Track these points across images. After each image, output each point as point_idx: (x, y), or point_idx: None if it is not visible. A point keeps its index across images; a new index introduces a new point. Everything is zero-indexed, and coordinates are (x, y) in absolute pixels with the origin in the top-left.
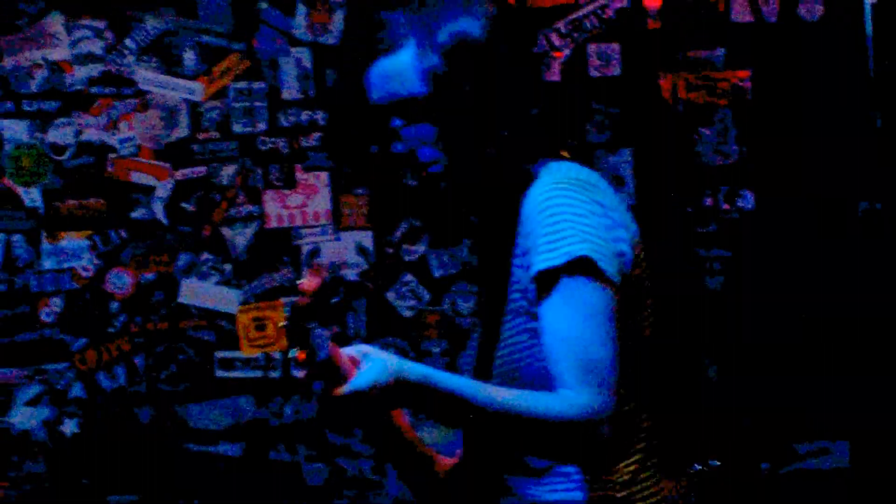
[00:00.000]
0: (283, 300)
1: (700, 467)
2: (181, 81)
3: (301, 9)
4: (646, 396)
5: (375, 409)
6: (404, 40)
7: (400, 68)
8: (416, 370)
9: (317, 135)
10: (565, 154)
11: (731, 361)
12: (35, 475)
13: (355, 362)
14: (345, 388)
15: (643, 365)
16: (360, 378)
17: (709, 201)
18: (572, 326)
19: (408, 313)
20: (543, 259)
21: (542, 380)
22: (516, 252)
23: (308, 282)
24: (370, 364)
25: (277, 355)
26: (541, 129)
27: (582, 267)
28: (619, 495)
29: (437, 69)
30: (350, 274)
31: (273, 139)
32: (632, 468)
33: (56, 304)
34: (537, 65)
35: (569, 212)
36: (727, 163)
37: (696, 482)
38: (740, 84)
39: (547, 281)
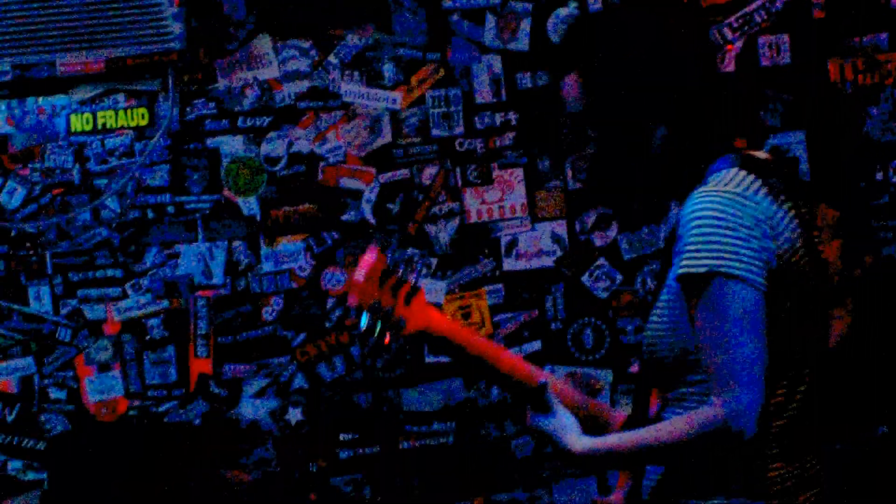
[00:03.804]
0: (485, 289)
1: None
2: (382, 92)
3: (490, 19)
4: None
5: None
6: None
7: None
8: (584, 444)
9: (510, 134)
10: (741, 144)
11: None
12: (264, 461)
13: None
14: (539, 424)
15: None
16: (548, 425)
17: (879, 175)
18: (718, 331)
19: (603, 294)
20: (685, 266)
21: (673, 355)
22: (675, 246)
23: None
24: (560, 419)
25: None
26: (715, 129)
27: (724, 276)
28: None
29: None
30: (547, 261)
31: (469, 140)
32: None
33: (277, 303)
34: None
35: (716, 224)
36: (895, 139)
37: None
38: None
39: (692, 287)
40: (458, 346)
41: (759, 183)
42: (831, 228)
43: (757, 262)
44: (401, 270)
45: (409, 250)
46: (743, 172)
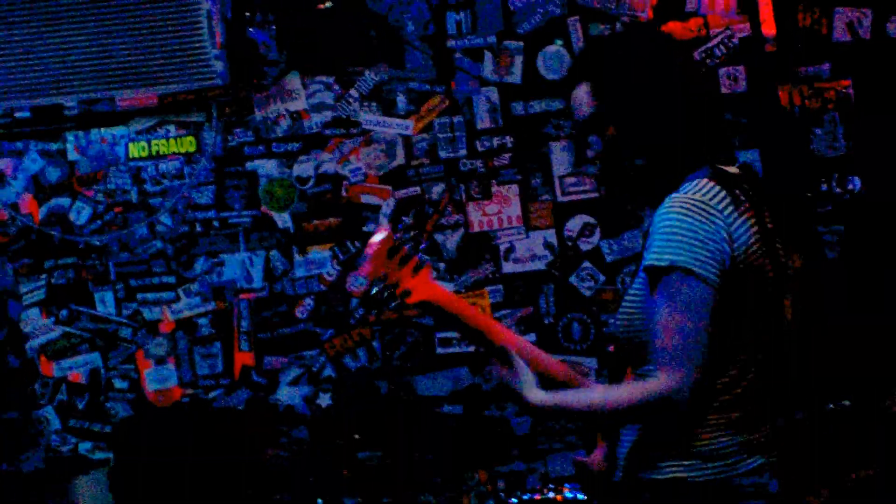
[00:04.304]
0: (487, 289)
1: (832, 406)
2: (396, 120)
3: (488, 56)
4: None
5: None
6: None
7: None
8: (539, 396)
9: (507, 155)
10: (732, 170)
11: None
12: (299, 440)
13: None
14: (502, 377)
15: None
16: (507, 377)
17: (824, 187)
18: (668, 317)
19: (587, 293)
20: (651, 259)
21: (640, 337)
22: (647, 241)
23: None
24: (519, 374)
25: None
26: (686, 147)
27: (682, 271)
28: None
29: None
30: (540, 265)
31: (472, 161)
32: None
33: (308, 303)
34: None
35: (681, 226)
36: (837, 155)
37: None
38: (844, 91)
39: (655, 278)
40: (454, 316)
41: (723, 194)
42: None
43: (712, 262)
44: (407, 248)
45: (421, 256)
46: (711, 183)
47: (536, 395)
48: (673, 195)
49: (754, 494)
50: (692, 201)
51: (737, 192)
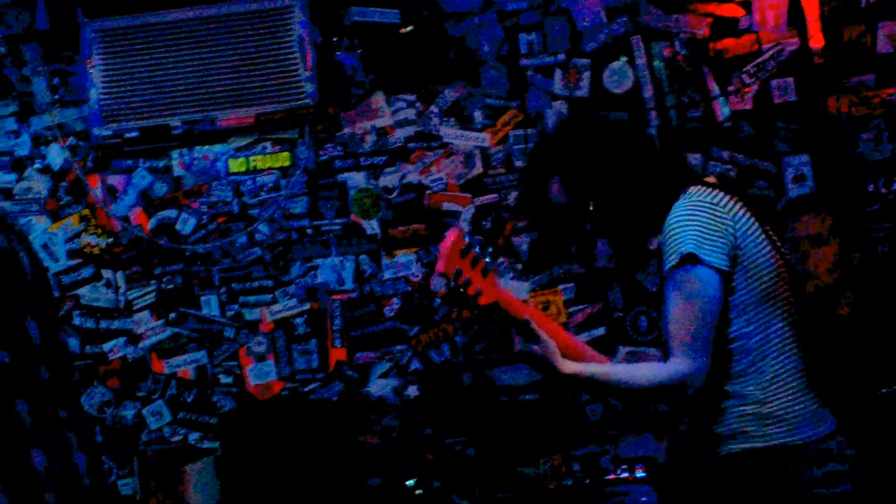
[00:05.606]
0: (560, 287)
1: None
2: (473, 133)
3: (558, 72)
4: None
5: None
6: None
7: None
8: (570, 367)
9: None
10: (709, 181)
11: None
12: (389, 428)
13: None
14: (531, 349)
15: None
16: (538, 349)
17: (871, 187)
18: (676, 309)
19: (654, 288)
20: (667, 262)
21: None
22: (662, 238)
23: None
24: (547, 345)
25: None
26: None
27: (689, 260)
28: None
29: None
30: (608, 263)
31: None
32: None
33: (395, 303)
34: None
35: (685, 221)
36: (882, 158)
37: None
38: (888, 99)
39: (670, 270)
40: (519, 321)
41: (722, 194)
42: (821, 236)
43: (719, 250)
44: (476, 250)
45: (500, 258)
46: (708, 189)
47: (569, 366)
48: (678, 201)
49: (830, 458)
50: (698, 201)
51: (731, 193)
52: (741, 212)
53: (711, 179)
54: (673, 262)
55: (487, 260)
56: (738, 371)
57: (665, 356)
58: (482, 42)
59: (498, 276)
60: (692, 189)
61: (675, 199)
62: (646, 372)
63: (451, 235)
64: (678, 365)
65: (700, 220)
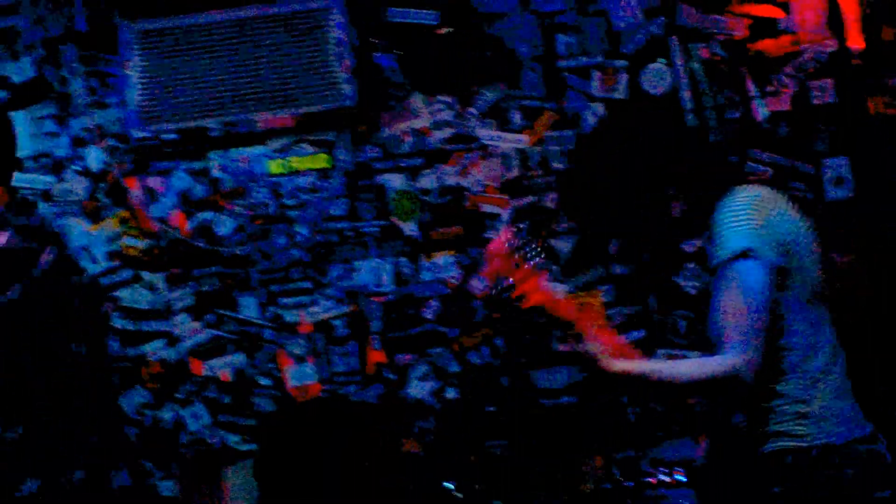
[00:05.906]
0: (599, 289)
1: None
2: (511, 135)
3: (595, 74)
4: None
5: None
6: None
7: None
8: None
9: None
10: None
11: None
12: (427, 430)
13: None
14: (586, 347)
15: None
16: (591, 348)
17: None
18: (729, 301)
19: (692, 291)
20: (716, 256)
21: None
22: (713, 228)
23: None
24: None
25: None
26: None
27: (743, 254)
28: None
29: None
30: (647, 266)
31: None
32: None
33: (434, 305)
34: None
35: (738, 216)
36: None
37: None
38: None
39: (717, 268)
40: (565, 322)
41: (773, 190)
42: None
43: (769, 244)
44: (525, 251)
45: (536, 262)
46: (758, 186)
47: (618, 364)
48: (728, 198)
49: (870, 460)
50: (748, 196)
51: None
52: (792, 210)
53: (754, 179)
54: (727, 256)
55: (538, 260)
56: (782, 369)
57: (711, 353)
58: (520, 43)
59: (547, 277)
60: (742, 186)
61: (719, 199)
62: (697, 366)
63: (497, 239)
64: (730, 357)
65: (753, 215)
